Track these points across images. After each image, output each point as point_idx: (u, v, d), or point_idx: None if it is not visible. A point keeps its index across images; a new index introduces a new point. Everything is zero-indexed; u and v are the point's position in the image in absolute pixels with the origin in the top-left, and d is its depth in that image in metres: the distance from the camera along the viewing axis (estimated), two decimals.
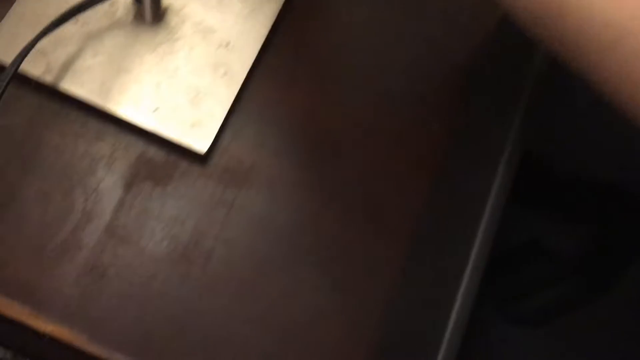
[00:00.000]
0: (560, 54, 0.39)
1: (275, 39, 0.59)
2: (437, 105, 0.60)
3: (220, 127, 0.55)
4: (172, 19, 0.57)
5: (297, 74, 0.59)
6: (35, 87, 0.53)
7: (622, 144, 0.64)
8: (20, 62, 0.49)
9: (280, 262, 0.53)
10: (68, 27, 0.54)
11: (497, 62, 0.62)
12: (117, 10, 0.57)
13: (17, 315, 0.48)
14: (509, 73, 0.62)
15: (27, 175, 0.51)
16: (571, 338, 0.65)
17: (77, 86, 0.53)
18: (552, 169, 0.67)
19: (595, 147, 0.66)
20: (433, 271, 0.49)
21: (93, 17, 0.56)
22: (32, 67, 0.53)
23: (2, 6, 0.55)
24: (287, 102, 0.58)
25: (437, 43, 0.62)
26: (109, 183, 0.52)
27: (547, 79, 0.61)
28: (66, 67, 0.54)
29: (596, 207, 0.67)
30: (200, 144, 0.53)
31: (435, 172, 0.57)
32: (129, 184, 0.53)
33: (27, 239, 0.50)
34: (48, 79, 0.53)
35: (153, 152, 0.54)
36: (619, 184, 0.65)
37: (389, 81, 0.60)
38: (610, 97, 0.36)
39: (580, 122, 0.69)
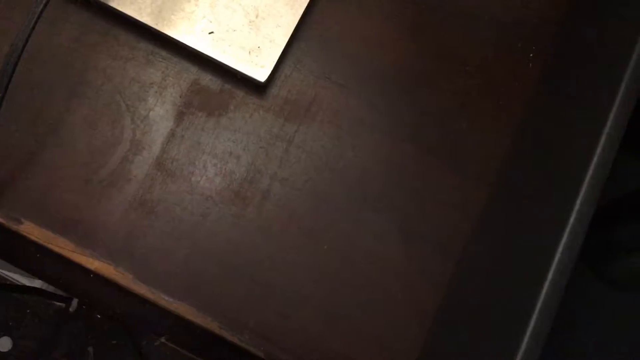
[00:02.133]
0: None
1: None
2: (531, 34, 0.51)
3: (281, 55, 0.49)
4: None
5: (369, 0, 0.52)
6: (82, 4, 0.49)
7: None
8: None
9: (343, 206, 0.48)
10: None
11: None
12: None
13: (61, 250, 0.45)
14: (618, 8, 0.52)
15: (74, 100, 0.48)
16: None
17: (126, 4, 0.48)
18: None
19: None
20: (519, 222, 0.43)
21: None
22: None
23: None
24: (356, 29, 0.51)
25: None
26: (159, 112, 0.48)
27: None
28: None
29: None
30: (259, 72, 0.48)
31: (525, 112, 0.50)
32: (181, 114, 0.48)
33: (73, 168, 0.46)
34: None
35: (207, 79, 0.49)
36: None
37: (480, 6, 0.52)
38: None
39: None
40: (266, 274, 0.46)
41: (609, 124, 0.34)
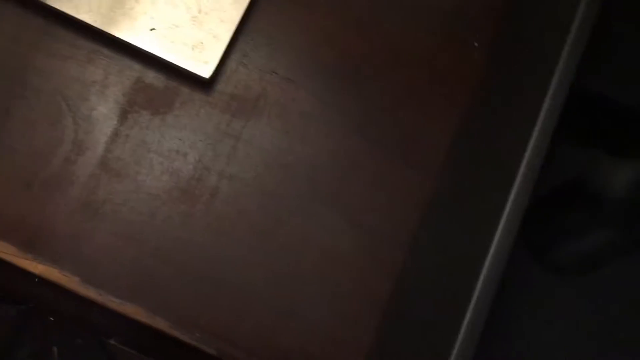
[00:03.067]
0: None
1: None
2: (475, 22, 0.52)
3: (226, 50, 0.48)
4: None
5: None
6: (18, 2, 0.48)
7: None
8: None
9: (293, 202, 0.48)
10: None
11: None
12: None
13: (3, 255, 0.44)
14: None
15: (13, 101, 0.46)
16: (613, 290, 0.59)
17: (63, 1, 0.47)
18: (602, 102, 0.60)
19: None
20: (466, 210, 0.43)
21: None
22: None
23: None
24: (302, 22, 0.51)
25: None
26: (102, 111, 0.47)
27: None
28: None
29: None
30: (203, 68, 0.47)
31: (472, 100, 0.51)
32: (125, 113, 0.47)
33: (14, 171, 0.45)
34: None
35: (151, 77, 0.48)
36: None
37: None
38: None
39: (628, 50, 0.61)
40: (217, 272, 0.46)
41: (542, 114, 0.35)
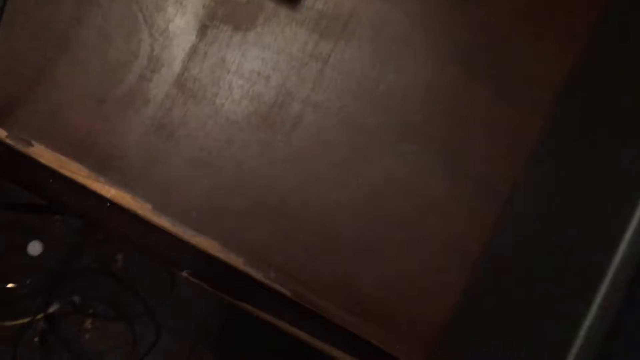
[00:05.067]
0: None
1: None
2: None
3: None
4: None
5: None
6: None
7: None
8: None
9: (383, 138, 0.43)
10: None
11: None
12: None
13: (75, 176, 0.41)
14: None
15: (85, 9, 0.42)
16: None
17: None
18: None
19: None
20: (580, 163, 0.38)
21: None
22: None
23: None
24: None
25: None
26: (179, 24, 0.43)
27: None
28: None
29: None
30: None
31: (590, 37, 0.43)
32: (204, 27, 0.43)
33: (86, 87, 0.42)
34: None
35: None
36: None
37: None
38: None
39: None
40: (295, 208, 0.42)
41: None
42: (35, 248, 1.14)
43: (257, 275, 0.42)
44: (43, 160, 0.41)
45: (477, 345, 0.40)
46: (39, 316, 1.09)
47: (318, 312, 0.42)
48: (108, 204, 0.42)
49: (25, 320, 1.08)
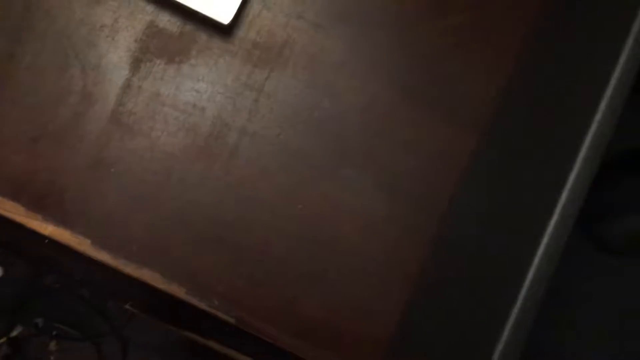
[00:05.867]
0: None
1: None
2: None
3: None
4: None
5: None
6: None
7: None
8: None
9: (320, 161, 0.44)
10: None
11: None
12: None
13: (12, 215, 0.41)
14: None
15: (18, 45, 0.42)
16: None
17: None
18: None
19: None
20: (515, 177, 0.39)
21: None
22: None
23: None
24: None
25: None
26: (112, 59, 0.43)
27: None
28: None
29: None
30: (223, 12, 0.42)
31: (522, 53, 0.45)
32: (137, 61, 0.43)
33: (20, 124, 0.42)
34: None
35: (165, 21, 0.43)
36: None
37: None
38: None
39: None
40: (236, 237, 0.43)
41: (619, 66, 0.29)
42: None
43: (200, 304, 0.42)
44: None
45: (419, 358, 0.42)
46: (2, 340, 1.07)
47: (263, 337, 0.42)
48: (46, 241, 0.41)
49: None
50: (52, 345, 1.10)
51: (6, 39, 0.42)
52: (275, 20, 0.44)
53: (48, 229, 0.41)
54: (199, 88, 0.43)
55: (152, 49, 0.43)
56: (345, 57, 0.44)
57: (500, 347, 0.31)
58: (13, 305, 1.10)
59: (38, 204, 0.41)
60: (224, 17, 0.42)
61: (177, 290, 0.42)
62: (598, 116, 0.33)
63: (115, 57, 0.43)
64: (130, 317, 1.07)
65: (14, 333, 1.09)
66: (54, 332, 1.10)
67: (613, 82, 0.33)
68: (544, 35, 0.45)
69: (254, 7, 0.44)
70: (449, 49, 0.45)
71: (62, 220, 0.42)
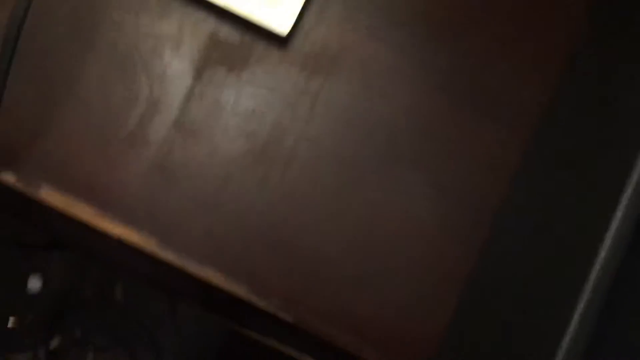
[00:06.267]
0: None
1: None
2: None
3: (304, 4, 0.45)
4: None
5: None
6: None
7: None
8: None
9: (374, 166, 0.45)
10: None
11: None
12: None
13: (83, 215, 0.43)
14: None
15: (87, 57, 0.45)
16: None
17: None
18: None
19: None
20: (568, 177, 0.40)
21: None
22: None
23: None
24: None
25: None
26: (176, 68, 0.45)
27: None
28: None
29: None
30: (281, 23, 0.44)
31: (571, 59, 0.46)
32: (199, 70, 0.45)
33: (89, 130, 0.44)
34: None
35: (226, 32, 0.46)
36: None
37: None
38: None
39: None
40: (292, 239, 0.44)
41: None
42: (35, 284, 1.15)
43: (260, 303, 0.44)
44: (52, 203, 0.43)
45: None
46: (41, 352, 1.09)
47: (318, 335, 0.44)
48: (114, 241, 0.44)
49: (27, 356, 1.08)
50: (90, 356, 1.12)
51: (77, 51, 0.45)
52: (329, 30, 0.46)
53: (117, 229, 0.43)
54: (258, 94, 0.45)
55: (214, 57, 0.45)
56: (395, 63, 0.46)
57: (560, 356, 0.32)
58: (52, 317, 1.12)
59: (107, 206, 0.44)
60: (283, 28, 0.44)
61: (238, 289, 0.44)
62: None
63: (179, 66, 0.45)
64: (166, 326, 1.09)
65: (52, 345, 1.11)
66: (91, 344, 1.12)
67: None
68: (589, 44, 0.47)
69: (310, 17, 0.46)
70: (495, 54, 0.46)
71: (129, 221, 0.44)
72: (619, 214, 0.32)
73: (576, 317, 0.31)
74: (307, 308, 0.44)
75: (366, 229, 0.44)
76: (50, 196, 0.43)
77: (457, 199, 0.46)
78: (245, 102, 0.45)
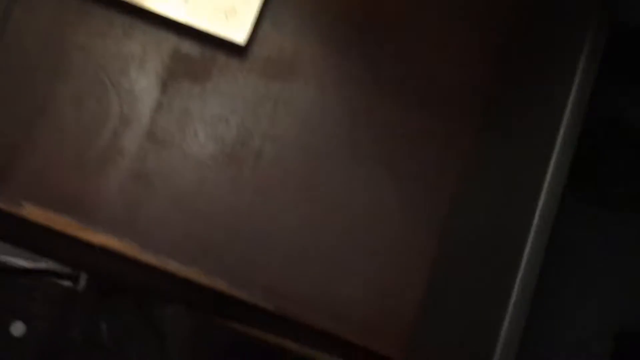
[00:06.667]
0: None
1: None
2: None
3: (259, 14, 0.49)
4: None
5: None
6: None
7: None
8: None
9: (335, 158, 0.49)
10: None
11: None
12: None
13: (66, 229, 0.46)
14: None
15: (58, 79, 0.48)
16: None
17: None
18: None
19: None
20: (509, 155, 0.44)
21: None
22: None
23: None
24: None
25: None
26: (143, 84, 0.48)
27: None
28: None
29: None
30: (238, 34, 0.48)
31: (510, 49, 0.51)
32: (165, 84, 0.48)
33: (65, 147, 0.47)
34: None
35: (187, 46, 0.49)
36: None
37: None
38: None
39: None
40: (267, 233, 0.47)
41: (585, 48, 0.35)
42: (18, 329, 1.14)
43: (242, 295, 0.46)
44: (35, 219, 0.45)
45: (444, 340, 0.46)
46: None
47: (299, 320, 0.46)
48: (98, 250, 0.46)
49: None
50: None
51: (49, 74, 0.48)
52: (284, 38, 0.49)
53: (99, 238, 0.46)
54: (222, 102, 0.48)
55: (179, 71, 0.48)
56: (349, 66, 0.50)
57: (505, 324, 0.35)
58: None
59: (88, 217, 0.46)
60: (240, 38, 0.48)
61: (220, 284, 0.46)
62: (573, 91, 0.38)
63: (146, 81, 0.48)
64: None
65: None
66: None
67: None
68: (523, 28, 0.51)
69: (265, 28, 0.49)
70: (437, 52, 0.51)
71: (110, 230, 0.46)
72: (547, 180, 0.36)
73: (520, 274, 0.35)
74: (288, 297, 0.47)
75: (338, 216, 0.47)
76: (32, 213, 0.46)
77: (415, 186, 0.49)
78: (211, 109, 0.48)
